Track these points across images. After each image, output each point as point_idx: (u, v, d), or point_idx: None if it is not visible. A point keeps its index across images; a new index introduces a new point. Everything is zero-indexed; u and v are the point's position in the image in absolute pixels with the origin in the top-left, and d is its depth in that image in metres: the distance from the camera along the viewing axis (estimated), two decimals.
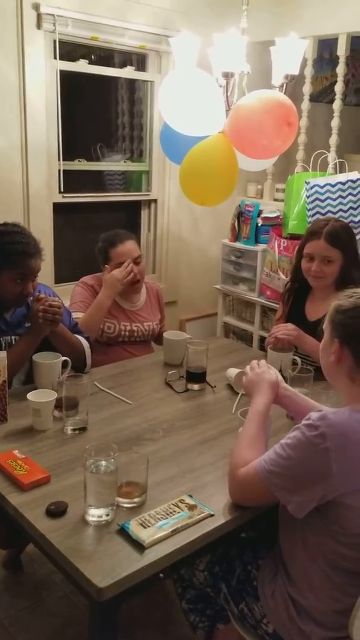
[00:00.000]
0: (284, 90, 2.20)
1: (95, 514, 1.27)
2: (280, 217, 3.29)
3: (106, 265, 2.40)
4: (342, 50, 3.10)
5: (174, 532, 1.23)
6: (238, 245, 3.47)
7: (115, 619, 1.17)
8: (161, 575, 1.19)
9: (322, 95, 3.97)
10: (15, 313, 1.98)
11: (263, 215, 3.34)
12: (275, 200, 3.55)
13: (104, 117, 3.37)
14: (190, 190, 2.40)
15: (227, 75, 2.12)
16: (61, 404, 1.67)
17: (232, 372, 1.99)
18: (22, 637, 1.92)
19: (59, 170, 2.98)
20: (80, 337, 2.07)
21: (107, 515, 1.27)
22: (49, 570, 2.16)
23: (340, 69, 3.14)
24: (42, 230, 2.86)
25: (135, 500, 1.33)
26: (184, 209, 3.55)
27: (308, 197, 2.92)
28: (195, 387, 1.98)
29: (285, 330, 2.06)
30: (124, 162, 3.43)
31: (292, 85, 2.24)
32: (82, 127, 3.22)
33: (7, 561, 2.20)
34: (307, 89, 3.29)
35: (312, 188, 2.90)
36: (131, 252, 2.38)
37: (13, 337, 1.94)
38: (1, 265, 1.83)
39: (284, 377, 1.92)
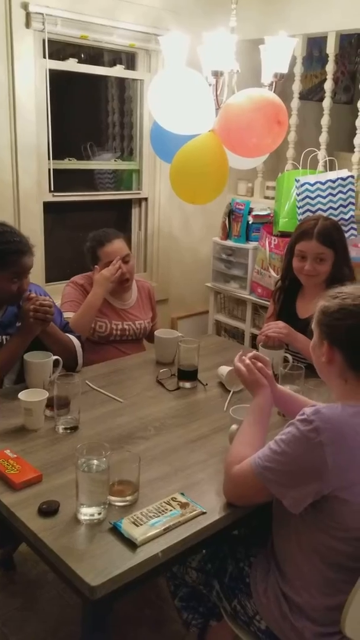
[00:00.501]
0: (273, 89, 2.21)
1: (88, 512, 1.27)
2: (271, 214, 3.30)
3: (95, 266, 2.40)
4: (331, 49, 3.12)
5: (166, 530, 1.24)
6: (229, 243, 3.48)
7: (108, 618, 1.17)
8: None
9: (312, 93, 3.98)
10: (6, 313, 1.97)
11: (254, 213, 3.35)
12: (266, 198, 3.56)
13: (94, 115, 3.36)
14: (180, 189, 2.40)
15: (217, 74, 2.12)
16: (52, 403, 1.67)
17: (224, 369, 1.99)
18: (15, 637, 1.92)
19: (49, 169, 2.97)
20: (71, 336, 2.07)
21: (99, 513, 1.28)
22: (42, 570, 2.15)
23: (330, 67, 3.15)
24: (33, 229, 2.85)
25: (128, 498, 1.33)
26: (174, 208, 3.55)
27: (298, 194, 2.93)
28: (187, 385, 1.99)
29: (275, 328, 2.07)
30: (114, 160, 3.42)
31: (282, 84, 2.24)
32: (72, 126, 3.21)
33: (0, 560, 2.19)
34: (296, 86, 3.30)
35: (302, 186, 2.91)
36: (119, 250, 2.38)
37: (4, 337, 1.94)
38: None
39: (275, 375, 1.94)
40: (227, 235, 3.49)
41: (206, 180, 2.32)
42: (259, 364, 1.52)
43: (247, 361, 1.52)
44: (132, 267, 2.44)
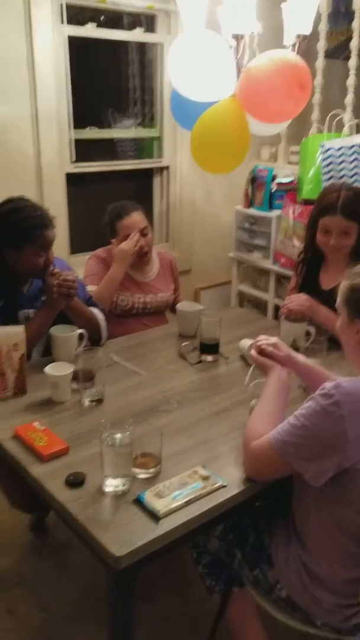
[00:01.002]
0: (296, 50, 2.14)
1: (112, 484, 1.31)
2: (295, 182, 3.24)
3: (113, 240, 2.40)
4: (357, 4, 2.98)
5: (188, 503, 1.27)
6: (252, 211, 3.43)
7: (133, 586, 1.22)
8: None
9: (338, 51, 3.81)
10: (32, 287, 2.00)
11: (277, 180, 3.29)
12: (290, 163, 3.48)
13: (114, 81, 3.30)
14: (201, 158, 2.37)
15: (237, 37, 2.06)
16: (78, 377, 1.71)
17: (246, 343, 1.99)
18: (47, 598, 2.01)
19: (70, 139, 2.96)
20: (95, 310, 2.10)
21: (124, 485, 1.31)
22: (73, 534, 2.23)
23: (357, 24, 3.02)
24: (56, 202, 2.86)
25: (151, 471, 1.37)
26: (196, 176, 3.50)
27: (323, 160, 2.86)
28: (209, 358, 2.00)
29: (298, 300, 2.05)
30: (135, 128, 3.38)
31: (306, 43, 2.17)
32: (92, 93, 3.16)
33: (33, 525, 2.28)
34: (321, 45, 3.18)
35: (327, 151, 2.84)
36: (137, 223, 2.37)
37: (30, 311, 1.97)
38: (22, 241, 1.85)
39: (297, 348, 1.94)
40: (249, 203, 3.45)
41: (227, 148, 2.28)
42: (268, 349, 1.52)
43: (253, 352, 1.55)
44: (150, 240, 2.44)
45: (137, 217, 2.39)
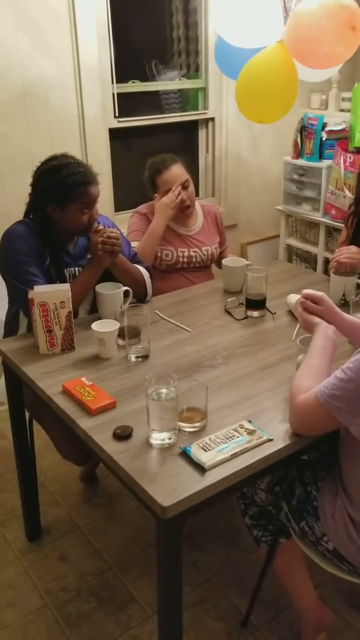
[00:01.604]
0: None
1: (159, 437, 1.33)
2: (346, 129, 3.09)
3: (155, 194, 2.37)
4: None
5: (234, 456, 1.28)
6: (301, 162, 3.32)
7: (181, 534, 1.25)
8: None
9: None
10: (77, 245, 2.02)
11: (327, 128, 3.15)
12: (342, 110, 3.33)
13: (157, 32, 3.20)
14: (247, 107, 2.29)
15: None
16: (124, 333, 1.73)
17: (293, 298, 1.96)
18: (99, 544, 2.10)
19: (113, 94, 2.91)
20: (140, 267, 2.10)
21: (170, 438, 1.34)
22: (121, 485, 2.31)
23: None
24: (100, 158, 2.85)
25: (196, 425, 1.38)
26: (243, 127, 3.40)
27: None
28: (255, 314, 1.98)
29: (348, 253, 1.99)
30: (180, 79, 3.28)
31: None
32: (135, 45, 3.08)
33: (84, 475, 2.37)
34: None
35: None
36: (177, 177, 2.33)
37: (76, 269, 1.99)
38: (65, 199, 1.85)
39: (346, 302, 1.89)
40: (299, 154, 3.33)
41: (274, 96, 2.20)
42: (311, 306, 1.50)
43: (299, 309, 1.53)
44: (192, 192, 2.39)
45: (176, 171, 2.34)
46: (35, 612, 1.85)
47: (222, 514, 2.21)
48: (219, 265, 2.52)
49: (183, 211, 2.37)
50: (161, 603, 1.33)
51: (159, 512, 1.17)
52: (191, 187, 2.37)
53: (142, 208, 2.44)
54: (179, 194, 2.31)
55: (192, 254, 2.42)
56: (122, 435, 1.37)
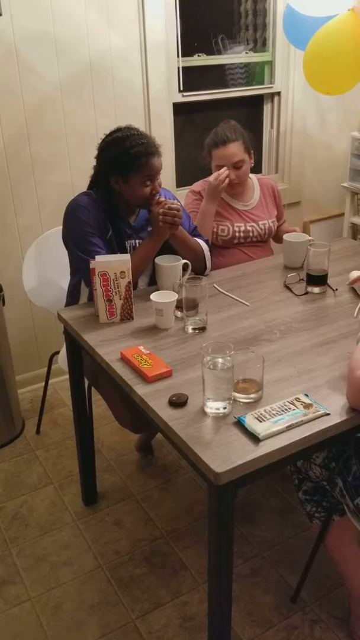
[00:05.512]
0: None
1: (213, 406, 1.34)
2: None
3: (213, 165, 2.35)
4: None
5: (289, 428, 1.27)
6: None
7: (232, 502, 1.26)
8: None
9: None
10: (138, 217, 2.03)
11: None
12: None
13: (224, 5, 3.14)
14: (315, 78, 2.23)
15: None
16: (182, 305, 1.74)
17: (356, 274, 1.91)
18: (153, 512, 2.15)
19: (178, 68, 2.89)
20: (199, 240, 2.10)
21: (225, 408, 1.34)
22: (177, 455, 2.35)
23: None
24: (163, 132, 2.84)
25: (252, 396, 1.38)
26: (310, 101, 3.30)
27: None
28: (316, 290, 1.94)
29: None
30: (246, 53, 3.22)
31: None
32: (201, 19, 3.04)
33: (140, 445, 2.42)
34: None
35: None
36: (231, 156, 2.26)
37: (137, 241, 2.01)
38: (128, 170, 1.87)
39: None
40: None
41: (343, 67, 2.13)
42: None
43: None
44: (245, 172, 2.32)
45: (232, 150, 2.27)
46: (89, 573, 1.92)
47: (274, 490, 2.20)
48: (277, 240, 2.47)
49: (233, 188, 2.34)
50: (212, 569, 1.35)
51: (212, 478, 1.18)
52: (245, 166, 2.31)
53: (197, 186, 2.42)
54: (227, 176, 2.27)
55: (249, 228, 2.39)
56: (178, 402, 1.38)
